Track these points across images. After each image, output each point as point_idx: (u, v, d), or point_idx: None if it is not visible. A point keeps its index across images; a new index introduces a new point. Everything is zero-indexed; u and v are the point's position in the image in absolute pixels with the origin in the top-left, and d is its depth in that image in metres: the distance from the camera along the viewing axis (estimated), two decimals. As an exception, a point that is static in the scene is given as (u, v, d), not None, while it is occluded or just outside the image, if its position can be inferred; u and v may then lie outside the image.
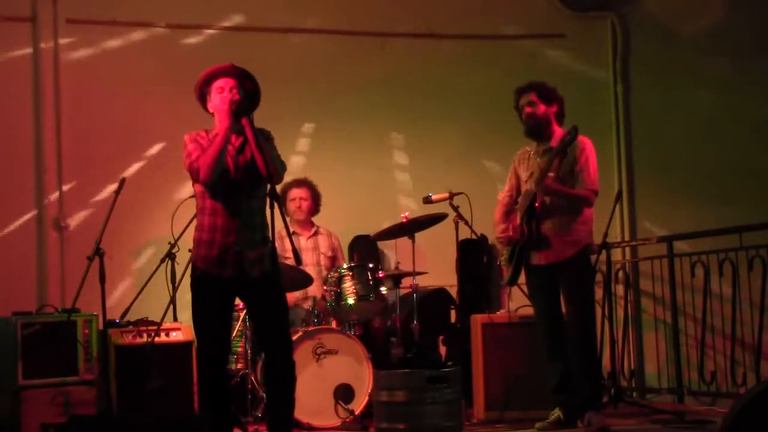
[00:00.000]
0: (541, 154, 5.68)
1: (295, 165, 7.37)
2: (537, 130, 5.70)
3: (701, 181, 7.89)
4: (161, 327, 5.93)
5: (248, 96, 4.70)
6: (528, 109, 5.68)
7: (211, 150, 4.58)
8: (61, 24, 7.15)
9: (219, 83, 4.70)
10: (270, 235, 4.58)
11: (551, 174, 5.48)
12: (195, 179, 4.68)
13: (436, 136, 7.92)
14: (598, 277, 6.85)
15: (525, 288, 5.89)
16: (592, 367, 5.65)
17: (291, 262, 5.35)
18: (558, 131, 5.68)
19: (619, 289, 7.63)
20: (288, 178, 6.50)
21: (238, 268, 4.63)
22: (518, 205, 5.74)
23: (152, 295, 6.26)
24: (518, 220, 5.67)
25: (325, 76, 7.72)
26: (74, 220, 7.09)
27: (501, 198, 5.95)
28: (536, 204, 5.52)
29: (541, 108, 5.67)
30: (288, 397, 4.70)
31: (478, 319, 6.28)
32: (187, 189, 5.84)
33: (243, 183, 4.66)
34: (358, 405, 6.00)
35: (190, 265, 4.85)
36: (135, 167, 7.24)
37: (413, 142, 7.92)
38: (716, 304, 6.78)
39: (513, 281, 5.73)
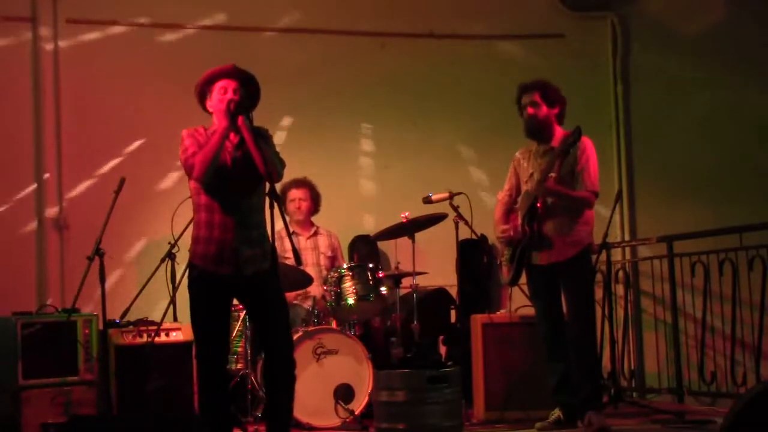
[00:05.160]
0: (542, 154, 5.67)
1: (295, 165, 7.35)
2: (537, 132, 5.69)
3: (701, 181, 7.89)
4: (161, 327, 5.93)
5: (248, 96, 4.72)
6: (530, 110, 5.66)
7: (207, 148, 4.60)
8: (61, 24, 7.15)
9: (221, 84, 4.72)
10: (269, 234, 4.59)
11: (552, 174, 5.47)
12: (189, 176, 4.70)
13: (436, 136, 7.92)
14: (598, 277, 6.85)
15: (526, 288, 5.88)
16: (593, 367, 5.65)
17: (291, 262, 5.36)
18: (559, 132, 5.68)
19: (619, 289, 7.63)
20: (287, 178, 6.50)
21: (235, 265, 4.64)
22: (519, 206, 5.73)
23: (152, 295, 6.26)
24: (519, 221, 5.66)
25: (324, 76, 7.71)
26: (74, 220, 7.09)
27: (501, 197, 5.95)
28: (537, 205, 5.51)
29: (543, 110, 5.65)
30: (287, 397, 4.70)
31: (478, 319, 6.28)
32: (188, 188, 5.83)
33: (240, 180, 4.66)
34: (358, 405, 6.00)
35: (188, 265, 4.83)
36: (135, 166, 7.23)
37: (413, 142, 7.92)
38: (716, 304, 6.78)
39: (514, 282, 5.73)
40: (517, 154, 5.87)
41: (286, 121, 7.55)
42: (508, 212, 5.86)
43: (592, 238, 5.73)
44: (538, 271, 5.67)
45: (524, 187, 5.74)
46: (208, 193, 4.67)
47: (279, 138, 4.87)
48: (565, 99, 5.74)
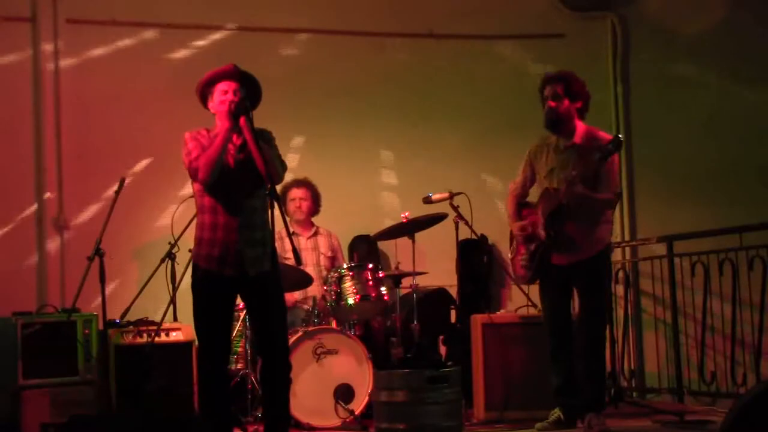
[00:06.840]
0: (563, 150, 5.57)
1: (295, 165, 7.37)
2: (556, 125, 5.58)
3: (701, 181, 7.88)
4: (161, 327, 5.94)
5: (249, 97, 4.72)
6: (551, 103, 5.56)
7: (210, 150, 4.61)
8: (61, 24, 7.14)
9: (222, 86, 4.73)
10: (271, 234, 4.59)
11: (574, 172, 5.36)
12: (194, 178, 4.71)
13: (436, 137, 7.91)
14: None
15: (527, 288, 5.87)
16: (599, 369, 5.61)
17: (291, 262, 5.36)
18: (580, 127, 5.57)
19: (619, 289, 7.62)
20: (288, 178, 6.51)
21: (239, 266, 4.65)
22: (540, 204, 5.61)
23: (152, 295, 6.26)
24: (542, 220, 5.54)
25: (324, 77, 7.71)
26: (74, 220, 7.09)
27: (512, 189, 5.84)
28: (562, 203, 5.41)
29: (565, 103, 5.55)
30: (283, 399, 4.71)
31: (478, 319, 6.27)
32: (188, 189, 5.83)
33: (243, 182, 4.67)
34: (358, 405, 6.01)
35: (191, 266, 4.85)
36: (135, 167, 7.24)
37: (413, 143, 7.91)
38: (716, 304, 6.78)
39: (533, 281, 5.69)
40: (532, 146, 5.75)
41: (286, 120, 7.53)
42: (520, 205, 5.79)
43: (611, 237, 5.70)
44: (555, 271, 5.58)
45: (543, 182, 5.63)
46: (210, 194, 4.68)
47: (277, 138, 4.85)
48: (590, 94, 5.65)
